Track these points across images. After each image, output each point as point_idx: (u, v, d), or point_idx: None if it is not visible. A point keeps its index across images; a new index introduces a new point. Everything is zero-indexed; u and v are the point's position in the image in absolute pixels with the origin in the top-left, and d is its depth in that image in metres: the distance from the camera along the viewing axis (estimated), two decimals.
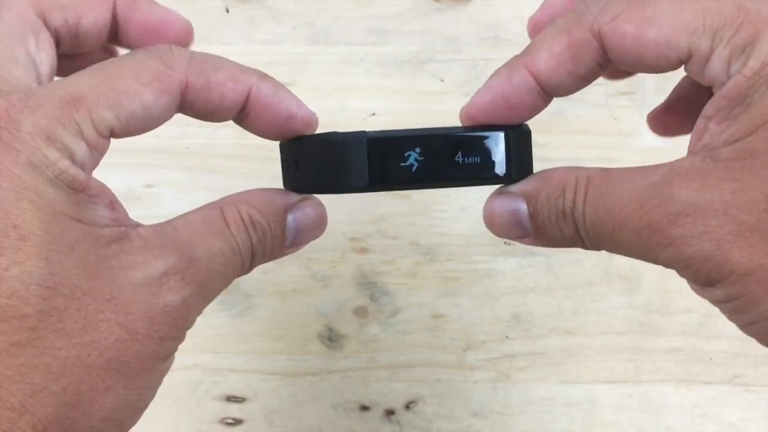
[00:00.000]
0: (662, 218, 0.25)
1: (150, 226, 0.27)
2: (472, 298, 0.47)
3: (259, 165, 0.49)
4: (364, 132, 0.28)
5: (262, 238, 0.28)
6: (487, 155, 0.28)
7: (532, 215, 0.28)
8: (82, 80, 0.26)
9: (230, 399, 0.44)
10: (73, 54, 0.29)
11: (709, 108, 0.25)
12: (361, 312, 0.47)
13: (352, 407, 0.44)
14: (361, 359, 0.46)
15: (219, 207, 0.28)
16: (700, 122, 0.26)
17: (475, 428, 0.44)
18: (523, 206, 0.28)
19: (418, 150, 0.28)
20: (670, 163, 0.26)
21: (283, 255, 0.30)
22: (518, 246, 0.49)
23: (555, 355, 0.46)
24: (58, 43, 0.28)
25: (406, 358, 0.46)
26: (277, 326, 0.47)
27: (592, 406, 0.44)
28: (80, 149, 0.25)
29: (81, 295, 0.24)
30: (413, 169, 0.28)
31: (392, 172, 0.28)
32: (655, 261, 0.26)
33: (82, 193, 0.25)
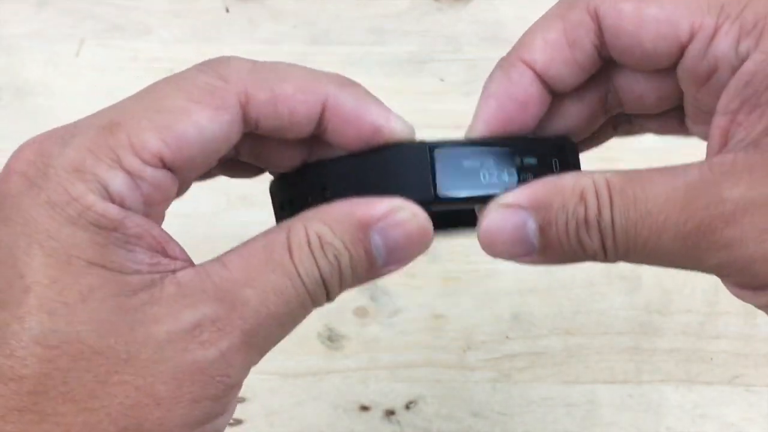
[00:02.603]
0: (713, 219, 0.22)
1: (194, 267, 0.23)
2: (472, 298, 0.47)
3: None
4: (423, 141, 0.25)
5: (336, 263, 0.23)
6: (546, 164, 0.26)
7: (543, 228, 0.24)
8: (124, 104, 0.23)
9: None
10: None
11: (730, 101, 0.23)
12: (361, 312, 0.47)
13: (352, 407, 0.44)
14: (361, 359, 0.45)
15: (287, 228, 0.23)
16: (720, 119, 0.24)
17: (475, 428, 0.44)
18: (530, 219, 0.24)
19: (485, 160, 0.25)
20: (707, 161, 0.23)
21: (383, 275, 0.25)
22: None
23: (555, 355, 0.46)
24: (257, 128, 0.24)
25: (406, 358, 0.46)
26: None
27: (592, 406, 0.44)
28: (116, 180, 0.21)
29: (91, 355, 0.21)
30: (482, 177, 0.24)
31: (459, 179, 0.24)
32: (701, 267, 0.24)
33: (115, 233, 0.21)
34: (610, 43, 0.25)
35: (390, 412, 0.44)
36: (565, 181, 0.24)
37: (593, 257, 0.24)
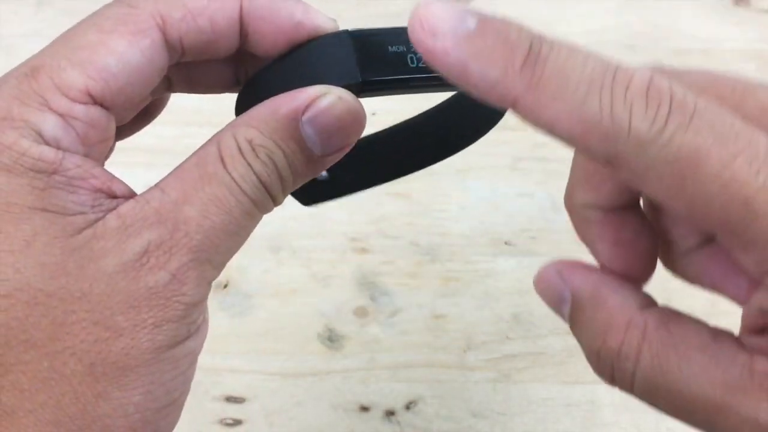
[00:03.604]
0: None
1: (134, 198, 0.23)
2: (472, 298, 0.47)
3: None
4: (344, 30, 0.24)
5: (271, 163, 0.23)
6: None
7: (573, 319, 0.23)
8: (43, 50, 0.23)
9: (230, 399, 0.44)
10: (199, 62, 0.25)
11: (753, 323, 0.21)
12: (361, 312, 0.47)
13: (352, 407, 0.44)
14: (361, 359, 0.45)
15: (216, 140, 0.23)
16: (764, 298, 0.20)
17: (475, 428, 0.43)
18: (567, 300, 0.23)
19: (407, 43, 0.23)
20: (750, 365, 0.20)
21: (325, 167, 0.24)
22: (518, 246, 0.49)
23: (555, 356, 0.46)
24: (183, 51, 0.24)
25: (406, 358, 0.46)
26: (277, 326, 0.46)
27: (592, 406, 0.44)
28: (48, 123, 0.21)
29: (45, 299, 0.21)
30: (409, 60, 0.23)
31: (385, 63, 0.23)
32: None
33: (55, 176, 0.21)
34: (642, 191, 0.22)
35: (390, 413, 0.44)
36: (610, 299, 0.22)
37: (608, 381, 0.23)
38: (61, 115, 0.22)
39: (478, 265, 0.48)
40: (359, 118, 0.23)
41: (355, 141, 0.24)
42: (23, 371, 0.21)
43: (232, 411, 0.44)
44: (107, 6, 0.23)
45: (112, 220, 0.22)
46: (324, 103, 0.23)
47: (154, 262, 0.22)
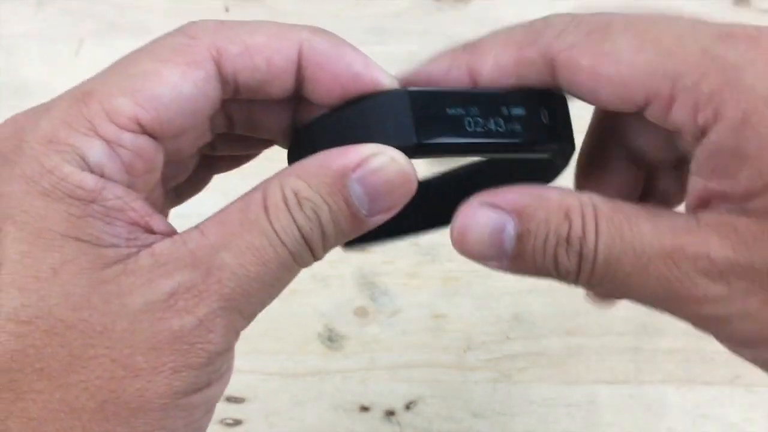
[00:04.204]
0: (697, 275, 0.22)
1: (171, 237, 0.22)
2: (472, 298, 0.47)
3: (257, 163, 0.49)
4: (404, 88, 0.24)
5: (315, 218, 0.22)
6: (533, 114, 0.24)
7: (522, 236, 0.23)
8: (96, 76, 0.22)
9: (230, 399, 0.44)
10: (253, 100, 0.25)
11: (700, 168, 0.23)
12: (361, 312, 0.47)
13: (352, 408, 0.44)
14: (361, 359, 0.45)
15: (263, 188, 0.23)
16: (696, 182, 0.23)
17: (475, 429, 0.43)
18: (511, 224, 0.23)
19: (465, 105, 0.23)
20: (694, 215, 0.23)
21: (370, 227, 0.23)
22: None
23: (556, 356, 0.46)
24: (237, 87, 0.24)
25: (406, 359, 0.46)
26: (277, 326, 0.46)
27: (592, 406, 0.44)
28: (94, 149, 0.21)
29: (64, 330, 0.20)
30: (467, 124, 0.23)
31: (443, 126, 0.23)
32: (679, 315, 0.24)
33: (93, 204, 0.21)
34: (565, 88, 0.24)
35: (390, 413, 0.44)
36: (550, 194, 0.23)
37: (562, 277, 0.24)
38: (108, 142, 0.21)
39: (478, 265, 0.48)
40: (410, 182, 0.23)
41: (403, 204, 0.23)
42: (34, 400, 0.20)
43: (232, 411, 0.44)
44: (167, 35, 0.23)
45: (145, 257, 0.21)
46: (375, 163, 0.22)
47: (182, 306, 0.21)
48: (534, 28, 0.25)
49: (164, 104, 0.22)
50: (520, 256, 0.24)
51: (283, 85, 0.24)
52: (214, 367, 0.22)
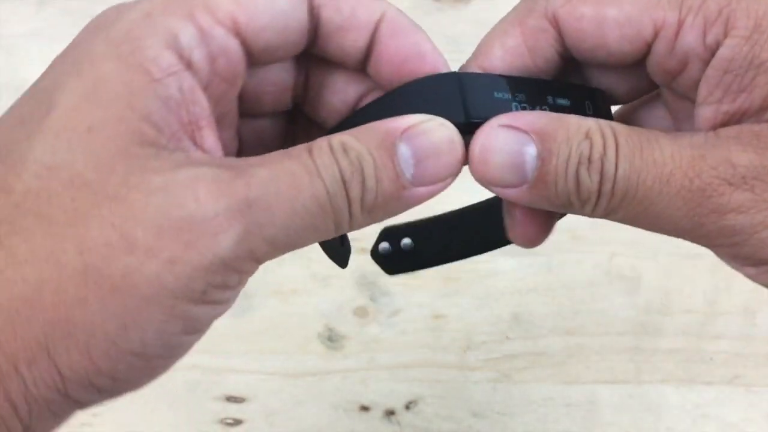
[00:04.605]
0: (721, 183, 0.22)
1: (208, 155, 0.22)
2: (472, 298, 0.47)
3: None
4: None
5: (358, 165, 0.22)
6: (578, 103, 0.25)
7: (543, 158, 0.22)
8: None
9: (230, 399, 0.44)
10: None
11: (711, 92, 0.23)
12: (361, 312, 0.47)
13: (352, 407, 0.44)
14: (361, 359, 0.45)
15: (310, 143, 0.22)
16: (705, 110, 0.23)
17: (475, 428, 0.43)
18: (532, 147, 0.22)
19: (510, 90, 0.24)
20: (713, 130, 0.23)
21: (411, 205, 0.23)
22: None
23: (555, 356, 0.46)
24: (317, 25, 0.24)
25: (406, 358, 0.46)
26: (277, 326, 0.47)
27: (592, 406, 0.44)
28: (186, 32, 0.21)
29: (80, 185, 0.20)
30: (513, 108, 0.24)
31: (490, 107, 0.23)
32: (700, 231, 0.23)
33: (157, 84, 0.21)
34: (572, 46, 0.24)
35: (390, 413, 0.44)
36: (571, 118, 0.23)
37: (584, 202, 0.23)
38: (201, 30, 0.21)
39: (478, 265, 0.48)
40: (457, 151, 0.23)
41: (450, 181, 0.23)
42: (26, 240, 0.20)
43: (232, 411, 0.44)
44: None
45: (178, 153, 0.21)
46: (425, 126, 0.22)
47: (202, 194, 0.20)
48: (526, 0, 0.25)
49: (260, 11, 0.22)
50: (541, 180, 0.23)
51: (355, 43, 0.24)
52: (213, 280, 0.21)
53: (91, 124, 0.21)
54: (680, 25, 0.23)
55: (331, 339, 0.46)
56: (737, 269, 0.24)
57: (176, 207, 0.20)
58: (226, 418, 0.44)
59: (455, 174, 0.23)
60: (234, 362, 0.45)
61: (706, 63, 0.23)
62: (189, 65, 0.21)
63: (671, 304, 0.47)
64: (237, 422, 0.44)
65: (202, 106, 0.22)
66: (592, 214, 0.23)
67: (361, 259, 0.49)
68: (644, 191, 0.22)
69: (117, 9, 0.23)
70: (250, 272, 0.22)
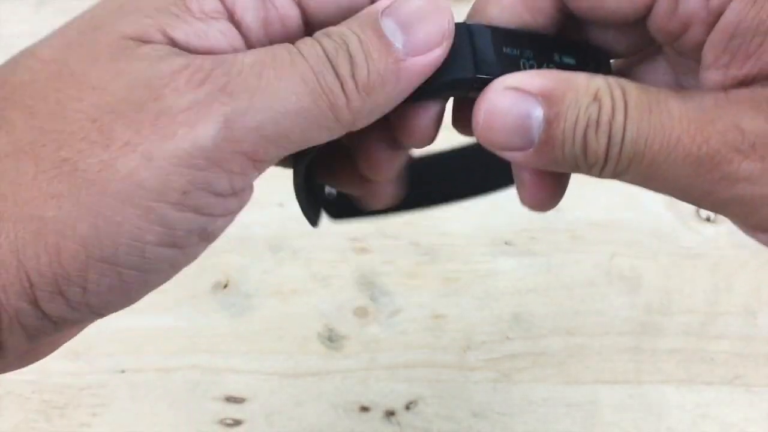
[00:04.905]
0: (730, 150, 0.21)
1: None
2: (472, 298, 0.47)
3: None
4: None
5: (342, 43, 0.21)
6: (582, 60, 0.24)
7: (551, 121, 0.22)
8: None
9: (230, 399, 0.44)
10: None
11: (717, 56, 0.22)
12: (361, 312, 0.47)
13: (352, 408, 0.44)
14: (361, 359, 0.45)
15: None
16: (713, 74, 0.22)
17: (475, 429, 0.43)
18: (538, 109, 0.22)
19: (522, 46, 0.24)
20: (723, 92, 0.22)
21: (407, 74, 0.22)
22: (518, 246, 0.49)
23: (556, 356, 0.46)
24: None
25: (406, 359, 0.45)
26: (277, 326, 0.46)
27: (593, 406, 0.44)
28: None
29: (67, 76, 0.20)
30: (521, 65, 0.23)
31: (499, 63, 0.23)
32: (710, 199, 0.22)
33: (190, 13, 0.20)
34: (570, 3, 0.23)
35: (390, 413, 0.44)
36: (578, 77, 0.22)
37: (591, 165, 0.22)
38: None
39: (478, 265, 0.48)
40: (444, 11, 0.22)
41: (447, 45, 0.22)
42: (8, 132, 0.20)
43: (232, 411, 0.44)
44: None
45: (167, 48, 0.20)
46: None
47: (182, 83, 0.19)
48: None
49: None
50: (547, 143, 0.22)
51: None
52: (194, 177, 0.19)
53: (97, 24, 0.20)
54: None
55: (331, 339, 0.46)
56: (750, 235, 0.23)
57: (155, 98, 0.19)
58: (226, 418, 0.44)
59: (449, 35, 0.22)
60: (234, 362, 0.45)
61: (710, 26, 0.22)
62: (239, 26, 0.21)
63: (671, 304, 0.46)
64: (237, 422, 0.44)
65: (225, 40, 0.21)
66: (600, 176, 0.23)
67: (361, 259, 0.49)
68: (652, 156, 0.22)
69: None
70: (243, 174, 0.21)
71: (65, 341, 0.24)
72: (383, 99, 0.22)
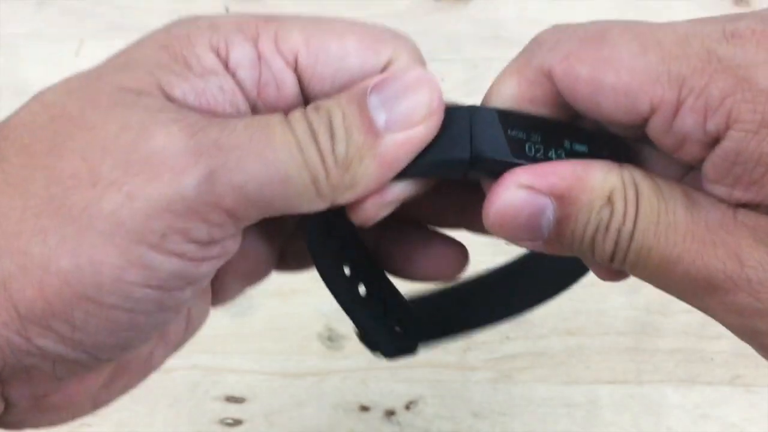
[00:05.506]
0: (726, 280, 0.21)
1: None
2: None
3: None
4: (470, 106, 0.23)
5: (326, 117, 0.21)
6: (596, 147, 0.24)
7: (560, 221, 0.22)
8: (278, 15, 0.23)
9: (230, 399, 0.44)
10: None
11: (721, 177, 0.21)
12: None
13: (352, 408, 0.44)
14: (361, 359, 0.45)
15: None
16: (717, 189, 0.22)
17: (475, 429, 0.43)
18: (550, 208, 0.22)
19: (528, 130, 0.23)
20: (733, 209, 0.21)
21: (386, 151, 0.21)
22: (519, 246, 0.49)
23: (556, 356, 0.46)
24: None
25: (406, 359, 0.46)
26: (277, 326, 0.46)
27: (593, 406, 0.44)
28: (240, 48, 0.21)
29: (65, 118, 0.20)
30: (527, 149, 0.23)
31: (501, 144, 0.22)
32: (711, 314, 0.22)
33: (190, 70, 0.21)
34: (570, 102, 0.23)
35: (390, 413, 0.44)
36: (594, 175, 0.22)
37: (596, 260, 0.23)
38: (259, 54, 0.22)
39: (478, 265, 0.48)
40: (431, 86, 0.22)
41: (433, 122, 0.22)
42: (2, 171, 0.20)
43: (232, 411, 0.44)
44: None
45: (169, 102, 0.21)
46: (392, 73, 0.22)
47: (172, 132, 0.20)
48: (527, 49, 0.24)
49: (325, 59, 0.22)
50: (557, 240, 0.22)
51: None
52: (173, 223, 0.20)
53: (100, 76, 0.21)
54: (679, 105, 0.21)
55: (331, 339, 0.46)
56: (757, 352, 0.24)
57: (146, 141, 0.20)
58: (226, 418, 0.44)
59: (435, 113, 0.22)
60: (234, 362, 0.45)
61: (706, 146, 0.21)
62: (235, 80, 0.22)
63: (671, 304, 0.46)
64: (237, 422, 0.44)
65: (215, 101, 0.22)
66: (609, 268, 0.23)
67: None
68: (653, 267, 0.22)
69: (195, 16, 0.23)
70: (222, 227, 0.21)
71: (79, 410, 0.25)
72: (362, 175, 0.21)
